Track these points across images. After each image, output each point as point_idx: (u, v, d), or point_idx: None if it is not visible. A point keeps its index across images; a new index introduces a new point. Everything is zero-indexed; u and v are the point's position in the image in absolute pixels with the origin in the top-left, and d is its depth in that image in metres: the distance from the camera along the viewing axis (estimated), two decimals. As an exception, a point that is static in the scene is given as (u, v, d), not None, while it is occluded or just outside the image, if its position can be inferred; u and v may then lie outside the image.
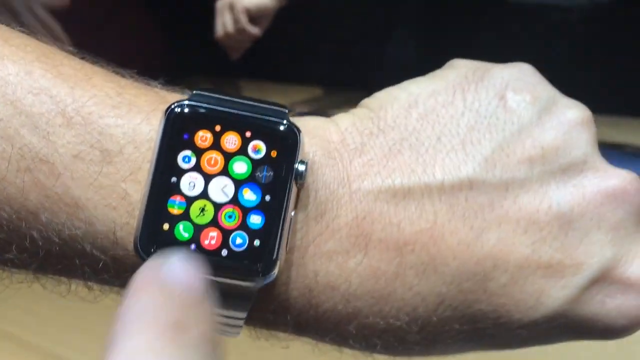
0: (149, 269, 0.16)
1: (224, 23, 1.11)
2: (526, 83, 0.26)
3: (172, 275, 0.16)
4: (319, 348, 0.26)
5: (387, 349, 0.25)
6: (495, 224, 0.24)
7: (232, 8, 1.10)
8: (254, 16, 1.09)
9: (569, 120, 0.25)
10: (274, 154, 0.23)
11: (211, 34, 1.16)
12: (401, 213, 0.24)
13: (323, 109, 1.25)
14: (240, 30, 1.10)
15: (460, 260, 0.24)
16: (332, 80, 1.33)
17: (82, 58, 0.26)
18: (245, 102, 0.25)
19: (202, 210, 0.23)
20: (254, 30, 1.10)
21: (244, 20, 1.09)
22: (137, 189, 0.23)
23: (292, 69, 1.27)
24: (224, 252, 0.23)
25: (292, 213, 0.23)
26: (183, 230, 0.23)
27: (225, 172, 0.23)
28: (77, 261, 0.24)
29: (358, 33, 1.30)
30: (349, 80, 1.31)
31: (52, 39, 0.84)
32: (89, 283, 0.25)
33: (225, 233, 0.23)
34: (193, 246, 0.23)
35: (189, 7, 1.36)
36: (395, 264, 0.24)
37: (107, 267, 0.24)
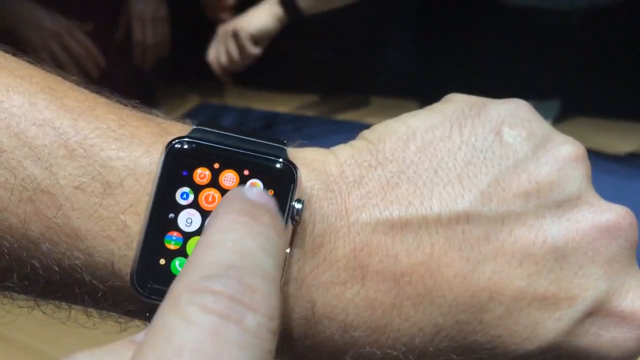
0: (234, 190, 0.22)
1: (227, 51, 1.13)
2: (521, 119, 0.26)
3: (251, 193, 0.21)
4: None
5: None
6: (491, 257, 0.24)
7: (236, 36, 1.11)
8: (257, 40, 1.11)
9: (563, 156, 0.26)
10: (270, 192, 0.24)
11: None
12: (398, 245, 0.24)
13: (323, 114, 1.25)
14: (246, 56, 1.12)
15: (456, 292, 0.24)
16: (332, 84, 1.33)
17: (86, 87, 0.26)
18: (245, 137, 0.25)
19: None
20: (257, 51, 1.12)
21: (249, 46, 1.11)
22: (136, 221, 0.24)
23: (292, 76, 1.28)
24: None
25: (287, 250, 0.24)
26: (179, 266, 0.23)
27: None
28: (77, 290, 0.24)
29: (355, 40, 1.31)
30: (347, 85, 1.32)
31: (89, 56, 0.87)
32: (89, 310, 0.26)
33: None
34: None
35: (191, 15, 1.37)
36: (392, 295, 0.24)
37: (105, 297, 0.24)
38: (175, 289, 0.18)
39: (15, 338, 0.69)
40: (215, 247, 0.19)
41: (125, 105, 0.26)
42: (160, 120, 0.26)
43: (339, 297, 0.24)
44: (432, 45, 1.34)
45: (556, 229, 0.25)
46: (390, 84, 1.33)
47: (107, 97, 0.26)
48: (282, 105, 1.30)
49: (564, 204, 0.25)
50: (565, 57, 1.21)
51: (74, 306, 0.26)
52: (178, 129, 0.26)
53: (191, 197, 0.24)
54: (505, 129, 0.26)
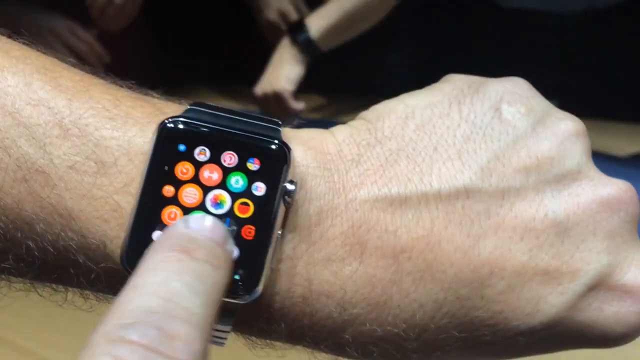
0: (175, 223, 0.21)
1: (275, 113, 1.18)
2: (520, 96, 0.26)
3: (194, 222, 0.21)
4: (316, 357, 0.26)
5: (384, 357, 0.25)
6: (492, 232, 0.24)
7: (279, 99, 1.16)
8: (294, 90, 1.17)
9: (563, 131, 0.26)
10: (264, 172, 0.23)
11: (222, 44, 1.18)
12: (398, 221, 0.24)
13: (327, 116, 1.25)
14: (293, 112, 1.17)
15: (457, 267, 0.24)
16: (335, 87, 1.33)
17: (82, 69, 0.26)
18: (238, 118, 0.25)
19: None
20: (301, 106, 1.19)
21: (294, 104, 1.17)
22: (130, 202, 0.23)
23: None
24: None
25: (279, 232, 0.23)
26: None
27: (222, 185, 0.23)
28: (72, 271, 0.24)
29: (358, 41, 1.31)
30: (351, 87, 1.32)
31: (92, 53, 0.85)
32: (86, 292, 0.25)
33: None
34: None
35: (187, 16, 1.37)
36: (391, 271, 0.24)
37: (100, 279, 0.24)
38: (93, 337, 0.17)
39: (8, 339, 0.68)
40: (138, 291, 0.18)
41: (121, 86, 0.26)
42: (155, 100, 0.26)
43: (337, 274, 0.24)
44: (432, 47, 1.34)
45: (557, 203, 0.24)
46: (391, 86, 1.34)
47: (103, 77, 0.26)
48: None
49: (564, 178, 0.25)
50: (562, 58, 1.21)
51: (70, 289, 0.26)
52: (173, 109, 0.25)
53: (189, 174, 0.23)
54: (504, 105, 0.26)
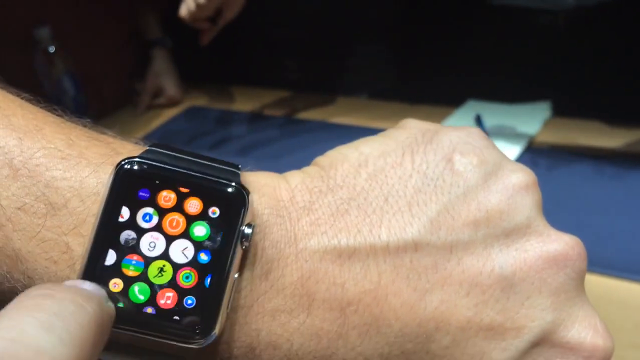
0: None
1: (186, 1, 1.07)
2: (473, 147, 0.27)
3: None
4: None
5: None
6: (439, 286, 0.24)
7: None
8: None
9: (514, 184, 0.26)
10: (221, 216, 0.23)
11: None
12: (346, 273, 0.24)
13: (293, 113, 1.24)
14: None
15: (403, 321, 0.24)
16: (302, 84, 1.32)
17: (38, 105, 0.26)
18: (198, 160, 0.25)
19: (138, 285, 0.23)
20: None
21: None
22: (80, 243, 0.23)
23: (264, 73, 1.27)
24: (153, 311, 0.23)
25: (236, 275, 0.23)
26: (139, 292, 0.23)
27: (167, 232, 0.23)
28: None
29: (340, 40, 1.30)
30: (319, 84, 1.31)
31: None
32: None
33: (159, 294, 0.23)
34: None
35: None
36: (338, 324, 0.24)
37: None
38: None
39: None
40: None
41: (76, 125, 0.26)
42: (110, 140, 0.26)
43: (285, 326, 0.24)
44: (418, 46, 1.33)
45: (504, 259, 0.25)
46: (380, 84, 1.34)
47: (59, 115, 0.26)
48: (256, 102, 1.30)
49: (512, 233, 0.25)
50: (553, 56, 1.21)
51: None
52: (129, 150, 0.25)
53: (155, 220, 0.23)
54: (456, 156, 0.26)
